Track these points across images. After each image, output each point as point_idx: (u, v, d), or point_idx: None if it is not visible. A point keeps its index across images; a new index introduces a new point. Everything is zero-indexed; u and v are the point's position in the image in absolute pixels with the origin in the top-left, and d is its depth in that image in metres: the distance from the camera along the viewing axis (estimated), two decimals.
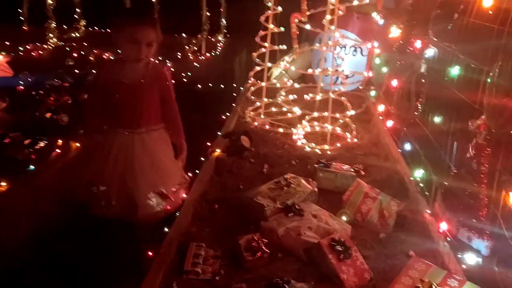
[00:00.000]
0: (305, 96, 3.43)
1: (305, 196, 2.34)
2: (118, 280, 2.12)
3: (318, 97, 3.35)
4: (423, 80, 2.09)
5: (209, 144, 3.04)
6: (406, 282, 1.53)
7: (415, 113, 2.15)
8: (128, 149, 2.31)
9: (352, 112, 3.46)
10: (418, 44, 2.37)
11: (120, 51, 2.36)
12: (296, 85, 3.76)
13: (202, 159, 2.85)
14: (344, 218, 2.24)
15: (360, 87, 4.44)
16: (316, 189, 2.42)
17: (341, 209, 2.29)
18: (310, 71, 3.64)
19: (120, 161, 2.30)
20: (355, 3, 3.32)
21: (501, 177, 1.34)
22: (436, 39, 1.96)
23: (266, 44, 3.50)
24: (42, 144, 3.05)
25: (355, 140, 3.36)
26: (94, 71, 2.59)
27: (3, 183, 2.54)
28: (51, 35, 6.23)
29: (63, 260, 2.32)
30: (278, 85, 3.85)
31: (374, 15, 3.95)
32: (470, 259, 1.58)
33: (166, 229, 2.07)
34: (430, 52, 2.06)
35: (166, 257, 1.84)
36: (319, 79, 3.69)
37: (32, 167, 2.77)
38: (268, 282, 1.69)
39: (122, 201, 2.26)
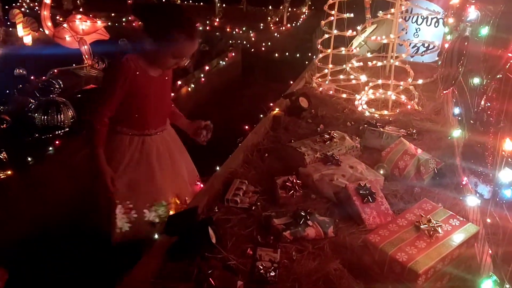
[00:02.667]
0: (369, 63, 3.54)
1: (346, 150, 2.53)
2: None
3: (379, 63, 3.45)
4: (466, 43, 2.14)
5: (271, 104, 3.30)
6: (410, 218, 1.69)
7: (456, 75, 2.21)
8: (163, 150, 2.21)
9: (419, 82, 3.52)
10: (471, 9, 2.40)
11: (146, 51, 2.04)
12: (369, 55, 3.87)
13: (261, 116, 3.12)
14: (381, 171, 2.40)
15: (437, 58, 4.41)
16: (358, 145, 2.60)
17: (379, 164, 2.45)
18: (385, 41, 3.70)
19: (163, 167, 2.19)
20: None
21: (499, 125, 1.44)
22: (474, 1, 2.01)
23: (333, 12, 3.65)
24: None
25: (417, 107, 3.42)
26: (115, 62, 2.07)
27: None
28: None
29: None
30: (355, 50, 3.94)
31: None
32: (471, 201, 1.69)
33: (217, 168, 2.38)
34: (473, 15, 2.11)
35: (212, 188, 2.16)
36: (389, 48, 3.75)
37: None
38: (293, 212, 1.94)
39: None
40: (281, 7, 6.20)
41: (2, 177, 2.47)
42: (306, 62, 4.46)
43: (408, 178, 2.37)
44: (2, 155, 2.57)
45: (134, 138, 2.12)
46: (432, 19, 4.88)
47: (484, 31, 1.84)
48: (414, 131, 2.93)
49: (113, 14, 6.89)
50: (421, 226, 1.61)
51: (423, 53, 4.64)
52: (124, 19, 6.77)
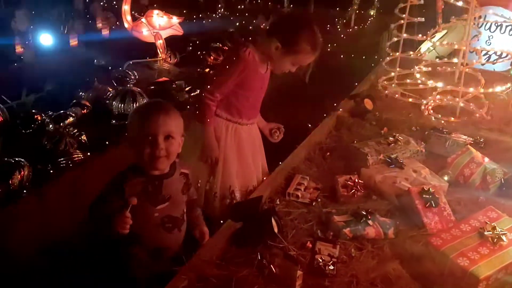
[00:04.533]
0: (438, 68, 3.48)
1: (411, 153, 2.52)
2: None
3: (449, 69, 3.38)
4: None
5: (335, 104, 3.33)
6: (473, 224, 1.68)
7: None
8: (250, 142, 2.42)
9: (490, 90, 3.41)
10: None
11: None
12: (437, 61, 3.79)
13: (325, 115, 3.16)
14: (445, 178, 2.37)
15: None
16: (423, 150, 2.57)
17: (443, 170, 2.43)
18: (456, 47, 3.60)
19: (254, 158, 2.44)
20: None
21: None
22: None
23: (403, 16, 3.61)
24: (197, 92, 3.69)
25: (485, 116, 3.32)
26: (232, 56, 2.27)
27: None
28: (220, 5, 7.12)
29: None
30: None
31: None
32: None
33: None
34: None
35: (274, 181, 2.24)
36: (459, 54, 3.66)
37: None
38: (354, 211, 1.98)
39: None
40: (349, 9, 6.19)
41: (81, 157, 2.68)
42: (372, 65, 4.44)
43: (473, 187, 2.33)
44: (82, 137, 2.78)
45: (229, 124, 2.33)
46: (506, 26, 4.69)
47: None
48: (481, 140, 2.86)
49: (185, 11, 7.16)
50: (485, 233, 1.60)
51: (495, 61, 4.47)
52: (195, 16, 7.07)
